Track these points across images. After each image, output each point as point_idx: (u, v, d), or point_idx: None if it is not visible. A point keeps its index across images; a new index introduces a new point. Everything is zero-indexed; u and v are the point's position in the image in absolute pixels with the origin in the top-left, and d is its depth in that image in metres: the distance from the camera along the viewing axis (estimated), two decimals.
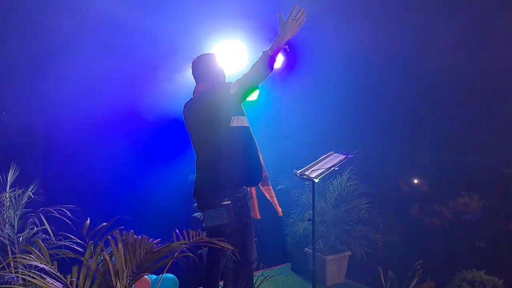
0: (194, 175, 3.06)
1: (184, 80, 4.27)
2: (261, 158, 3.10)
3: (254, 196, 3.20)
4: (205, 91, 3.03)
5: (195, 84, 3.16)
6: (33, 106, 3.64)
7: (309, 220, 3.50)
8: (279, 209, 3.26)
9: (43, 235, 3.05)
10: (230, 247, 2.54)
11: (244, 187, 3.01)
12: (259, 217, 3.20)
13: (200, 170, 3.02)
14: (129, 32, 3.81)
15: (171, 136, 4.31)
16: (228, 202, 2.86)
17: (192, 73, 3.17)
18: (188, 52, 4.12)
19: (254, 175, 3.04)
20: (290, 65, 4.65)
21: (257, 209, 3.20)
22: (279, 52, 2.81)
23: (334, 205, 4.58)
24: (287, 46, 2.87)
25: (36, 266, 2.15)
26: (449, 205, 4.39)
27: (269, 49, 2.78)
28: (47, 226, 3.01)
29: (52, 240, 2.93)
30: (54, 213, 3.07)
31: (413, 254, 4.06)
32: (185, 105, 3.12)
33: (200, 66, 3.12)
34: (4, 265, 2.59)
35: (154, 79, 4.03)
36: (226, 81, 3.13)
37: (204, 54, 3.20)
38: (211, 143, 2.93)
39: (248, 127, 3.01)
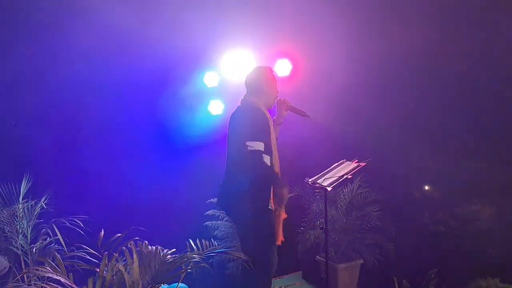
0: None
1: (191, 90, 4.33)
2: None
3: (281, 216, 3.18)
4: (240, 107, 3.17)
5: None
6: (45, 117, 3.67)
7: (321, 228, 3.47)
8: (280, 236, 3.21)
9: (56, 246, 3.05)
10: (243, 256, 2.62)
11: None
12: (285, 215, 3.21)
13: (227, 180, 3.14)
14: (138, 39, 3.84)
15: (184, 146, 4.32)
16: (253, 211, 2.95)
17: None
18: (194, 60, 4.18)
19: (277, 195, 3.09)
20: (297, 68, 4.66)
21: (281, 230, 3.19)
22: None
23: (345, 213, 4.54)
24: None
25: (49, 277, 2.15)
26: (461, 212, 4.35)
27: None
28: (59, 236, 3.02)
29: (66, 251, 2.93)
30: (66, 223, 3.07)
31: (426, 262, 4.01)
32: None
33: (249, 77, 3.23)
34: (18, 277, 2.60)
35: (166, 88, 4.04)
36: (276, 96, 3.27)
37: (257, 66, 3.30)
38: (238, 160, 3.05)
39: (270, 146, 3.06)
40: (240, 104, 3.22)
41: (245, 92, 3.26)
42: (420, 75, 4.44)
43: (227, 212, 3.44)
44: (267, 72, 3.24)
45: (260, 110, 3.09)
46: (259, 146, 2.94)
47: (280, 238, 3.10)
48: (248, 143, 2.92)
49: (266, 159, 3.02)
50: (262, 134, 3.00)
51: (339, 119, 4.73)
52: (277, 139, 3.24)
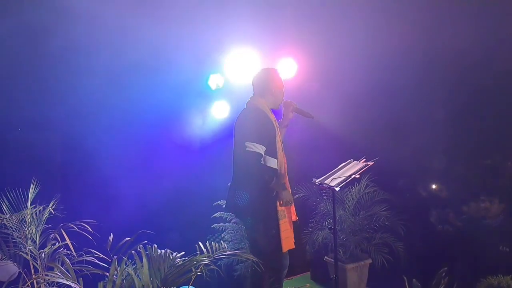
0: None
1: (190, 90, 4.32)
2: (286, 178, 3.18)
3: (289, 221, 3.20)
4: (246, 109, 3.19)
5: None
6: (52, 121, 3.67)
7: (330, 229, 3.46)
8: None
9: (65, 251, 3.05)
10: (252, 258, 2.62)
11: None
12: (296, 218, 3.28)
13: (235, 181, 3.18)
14: (139, 39, 3.85)
15: (190, 148, 4.32)
16: (261, 214, 2.99)
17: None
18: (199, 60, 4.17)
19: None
20: (302, 69, 4.65)
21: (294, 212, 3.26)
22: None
23: (353, 213, 4.53)
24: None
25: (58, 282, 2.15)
26: (469, 209, 4.31)
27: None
28: (68, 241, 3.02)
29: (75, 256, 2.93)
30: (74, 228, 3.07)
31: (436, 260, 3.98)
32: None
33: (255, 79, 3.26)
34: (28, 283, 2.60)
35: (173, 89, 4.04)
36: (282, 98, 3.28)
37: (264, 68, 3.32)
38: (238, 160, 3.09)
39: (274, 148, 3.08)
40: (246, 107, 3.22)
41: (252, 94, 3.26)
42: (427, 74, 4.42)
43: (236, 215, 3.44)
44: (275, 74, 3.26)
45: (264, 113, 3.10)
46: (259, 148, 2.94)
47: (291, 241, 3.10)
48: (247, 143, 2.93)
49: (270, 162, 3.02)
50: (265, 136, 3.01)
51: (345, 118, 4.70)
52: (282, 142, 3.23)
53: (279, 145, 3.11)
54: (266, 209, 3.02)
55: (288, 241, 3.06)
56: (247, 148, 2.93)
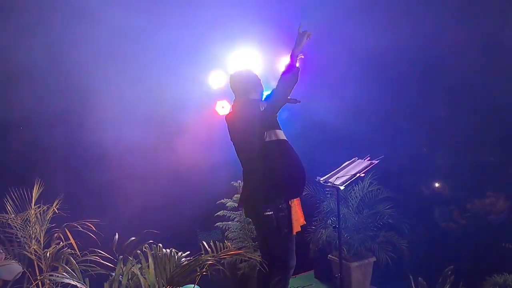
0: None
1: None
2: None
3: (298, 204, 3.19)
4: (237, 110, 3.18)
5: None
6: (55, 121, 3.67)
7: (334, 227, 3.45)
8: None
9: (69, 250, 3.04)
10: (256, 258, 2.61)
11: (286, 198, 3.05)
12: (304, 222, 3.26)
13: (245, 181, 3.17)
14: (144, 39, 3.84)
15: (193, 147, 4.31)
16: (270, 213, 2.95)
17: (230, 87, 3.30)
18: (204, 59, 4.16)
19: (294, 188, 3.09)
20: (305, 66, 4.62)
21: (301, 215, 3.22)
22: (296, 61, 3.04)
23: (356, 211, 4.51)
24: (301, 55, 3.10)
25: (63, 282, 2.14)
26: (474, 206, 4.30)
27: (290, 62, 2.97)
28: (72, 241, 3.01)
29: (79, 256, 2.92)
30: (78, 227, 3.06)
31: (440, 258, 3.97)
32: (225, 117, 3.25)
33: (233, 82, 3.25)
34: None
35: (174, 87, 4.03)
36: (263, 93, 3.25)
37: (238, 70, 3.31)
38: (250, 158, 3.07)
39: (284, 139, 3.07)
40: (233, 109, 3.25)
41: (234, 98, 3.27)
42: (429, 71, 4.40)
43: (248, 215, 3.42)
44: (247, 72, 3.28)
45: (255, 100, 3.12)
46: (275, 134, 2.97)
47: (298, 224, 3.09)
48: (264, 134, 2.95)
49: (278, 134, 3.04)
50: (269, 118, 3.03)
51: (349, 116, 4.69)
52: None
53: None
54: (279, 207, 3.00)
55: (296, 225, 3.07)
56: (267, 139, 2.96)
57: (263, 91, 3.27)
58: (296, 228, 3.08)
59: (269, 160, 2.97)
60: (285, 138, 3.08)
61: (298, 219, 3.09)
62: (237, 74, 3.25)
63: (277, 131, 3.05)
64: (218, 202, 4.38)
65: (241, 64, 4.35)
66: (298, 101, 3.31)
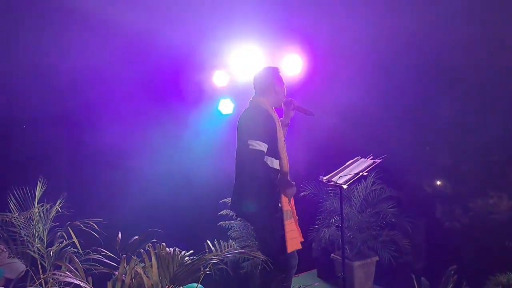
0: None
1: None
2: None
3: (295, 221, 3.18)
4: (248, 108, 3.16)
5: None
6: (59, 119, 3.67)
7: (337, 227, 3.44)
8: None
9: (72, 249, 3.04)
10: (260, 256, 2.60)
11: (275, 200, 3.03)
12: (302, 239, 3.21)
13: (238, 181, 3.14)
14: (147, 39, 3.84)
15: (197, 146, 4.31)
16: (267, 214, 2.96)
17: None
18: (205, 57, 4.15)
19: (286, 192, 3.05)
20: (307, 66, 4.62)
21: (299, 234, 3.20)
22: None
23: (359, 210, 4.51)
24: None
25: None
26: (477, 206, 4.29)
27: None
28: (75, 240, 3.01)
29: (82, 254, 2.92)
30: (81, 226, 3.06)
31: (443, 258, 3.96)
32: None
33: (256, 78, 3.23)
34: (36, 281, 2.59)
35: (178, 88, 4.03)
36: (284, 96, 3.25)
37: (266, 67, 3.27)
38: (241, 159, 3.06)
39: (277, 147, 3.05)
40: (248, 106, 3.20)
41: (253, 94, 3.23)
42: (431, 71, 4.39)
43: (243, 216, 3.41)
44: (276, 72, 3.23)
45: (267, 112, 3.07)
46: (262, 146, 2.91)
47: (297, 241, 3.07)
48: (250, 141, 2.90)
49: (273, 162, 3.00)
50: (267, 135, 2.98)
51: (352, 116, 4.68)
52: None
53: (282, 144, 3.08)
54: (271, 211, 2.99)
55: (294, 242, 3.01)
56: (250, 147, 2.90)
57: (283, 96, 3.24)
58: (296, 246, 3.04)
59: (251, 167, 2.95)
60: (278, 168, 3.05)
61: (295, 236, 3.04)
62: (264, 71, 3.23)
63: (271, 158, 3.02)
64: (221, 201, 4.38)
65: (246, 62, 4.36)
66: (313, 114, 3.31)
